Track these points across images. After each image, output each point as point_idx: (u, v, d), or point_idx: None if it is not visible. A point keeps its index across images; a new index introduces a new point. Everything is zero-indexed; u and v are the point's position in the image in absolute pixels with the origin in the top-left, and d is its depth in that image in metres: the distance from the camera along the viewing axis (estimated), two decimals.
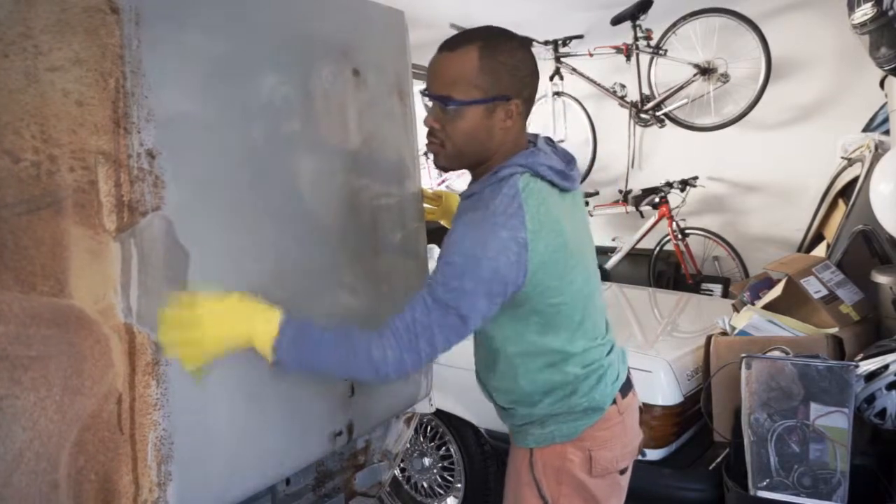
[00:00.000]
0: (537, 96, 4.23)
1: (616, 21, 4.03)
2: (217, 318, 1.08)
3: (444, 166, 1.26)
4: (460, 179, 5.54)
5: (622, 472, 1.33)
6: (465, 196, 1.27)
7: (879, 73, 2.65)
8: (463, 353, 2.49)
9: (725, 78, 3.82)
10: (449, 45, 1.17)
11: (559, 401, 1.26)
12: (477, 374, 1.42)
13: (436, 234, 2.63)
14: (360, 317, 1.52)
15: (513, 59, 1.16)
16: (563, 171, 1.23)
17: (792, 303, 2.34)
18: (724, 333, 2.26)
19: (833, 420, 1.80)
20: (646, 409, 2.04)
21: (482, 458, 2.47)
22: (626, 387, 1.35)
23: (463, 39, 1.17)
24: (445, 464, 2.61)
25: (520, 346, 1.24)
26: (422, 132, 1.79)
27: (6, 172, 1.01)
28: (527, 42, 1.22)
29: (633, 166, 4.52)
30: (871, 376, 1.84)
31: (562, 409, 1.27)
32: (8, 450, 1.04)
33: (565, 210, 1.23)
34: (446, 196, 1.76)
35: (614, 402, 1.29)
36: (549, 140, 1.32)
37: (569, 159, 1.30)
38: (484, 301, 1.10)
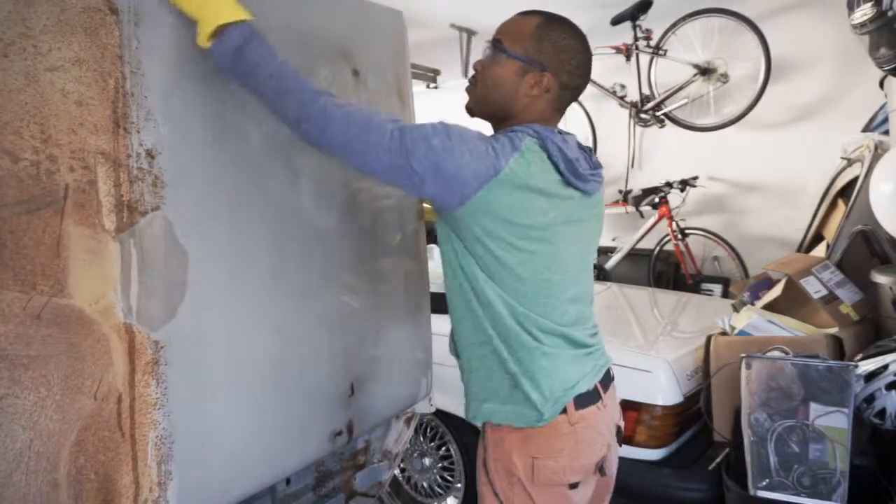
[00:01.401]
0: None
1: (616, 21, 4.03)
2: None
3: (470, 108, 1.31)
4: None
5: (572, 486, 1.24)
6: None
7: (879, 73, 2.66)
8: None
9: (725, 78, 3.82)
10: (523, 11, 1.28)
11: (502, 365, 1.22)
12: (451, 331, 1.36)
13: (435, 235, 2.64)
14: (359, 316, 1.52)
15: (563, 41, 1.24)
16: (572, 163, 1.21)
17: (792, 303, 2.34)
18: (724, 333, 2.27)
19: (833, 420, 1.80)
20: (646, 409, 2.04)
21: None
22: (587, 399, 1.25)
23: (535, 10, 1.27)
24: (445, 464, 2.61)
25: (471, 280, 1.21)
26: None
27: (6, 172, 1.01)
28: (586, 42, 1.28)
29: (633, 166, 4.52)
30: (871, 376, 1.84)
31: (501, 381, 1.23)
32: (8, 449, 1.04)
33: (559, 201, 1.20)
34: None
35: (564, 411, 1.21)
36: (583, 146, 1.32)
37: (594, 166, 1.31)
38: (430, 166, 1.09)
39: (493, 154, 1.12)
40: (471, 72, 1.31)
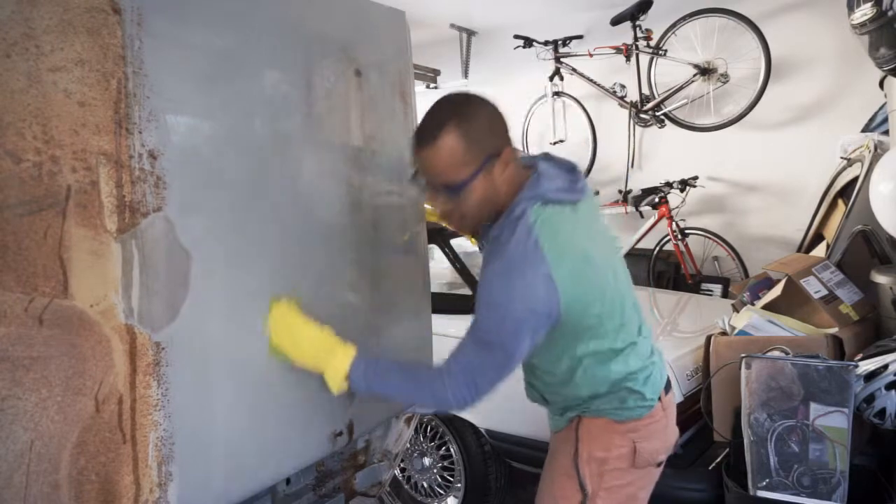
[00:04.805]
0: (538, 96, 4.27)
1: (616, 21, 4.03)
2: (303, 342, 1.27)
3: (467, 231, 1.39)
4: None
5: (658, 464, 1.40)
6: (488, 241, 1.30)
7: (879, 73, 2.66)
8: None
9: (725, 78, 3.83)
10: (425, 139, 1.19)
11: (614, 393, 1.32)
12: (528, 384, 1.46)
13: (436, 235, 2.64)
14: (360, 316, 1.52)
15: (485, 118, 1.21)
16: (568, 188, 1.26)
17: (792, 303, 2.34)
18: (724, 333, 2.27)
19: (833, 420, 1.80)
20: None
21: (482, 458, 2.48)
22: (668, 386, 1.42)
23: (436, 126, 1.18)
24: (445, 464, 2.61)
25: (572, 355, 1.29)
26: None
27: (8, 173, 1.01)
28: (477, 98, 1.23)
29: (632, 166, 4.52)
30: (871, 376, 1.84)
31: (612, 402, 1.33)
32: (9, 450, 1.04)
33: (582, 222, 1.27)
34: None
35: (659, 398, 1.36)
36: (546, 156, 1.34)
37: (571, 168, 1.32)
38: (527, 337, 1.19)
39: (529, 262, 1.16)
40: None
